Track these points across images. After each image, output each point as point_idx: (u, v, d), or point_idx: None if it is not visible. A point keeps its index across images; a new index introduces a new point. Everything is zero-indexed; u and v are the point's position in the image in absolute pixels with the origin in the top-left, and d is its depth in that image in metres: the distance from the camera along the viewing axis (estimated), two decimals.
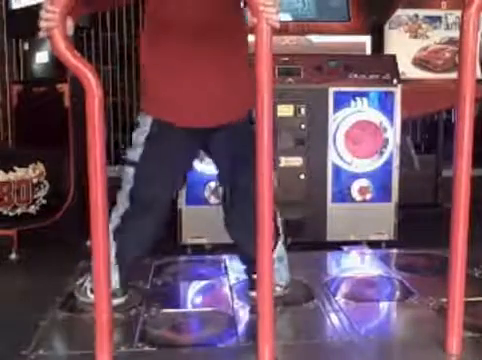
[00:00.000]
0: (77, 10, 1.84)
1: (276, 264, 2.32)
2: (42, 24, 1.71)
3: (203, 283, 2.70)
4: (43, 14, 1.70)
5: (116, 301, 2.22)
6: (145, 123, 2.26)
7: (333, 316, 2.27)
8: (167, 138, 2.24)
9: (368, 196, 3.31)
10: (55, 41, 1.70)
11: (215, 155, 2.40)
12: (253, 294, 2.35)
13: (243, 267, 2.54)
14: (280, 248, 2.44)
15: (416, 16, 3.72)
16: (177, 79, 2.19)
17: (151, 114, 2.25)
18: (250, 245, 2.25)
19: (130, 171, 2.29)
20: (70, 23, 1.77)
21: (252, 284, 2.40)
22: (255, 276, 2.39)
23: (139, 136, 2.26)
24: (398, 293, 2.60)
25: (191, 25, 2.14)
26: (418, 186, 4.24)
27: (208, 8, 2.15)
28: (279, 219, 2.45)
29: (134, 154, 2.27)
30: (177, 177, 2.39)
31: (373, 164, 3.31)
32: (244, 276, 2.57)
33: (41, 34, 1.72)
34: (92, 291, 2.24)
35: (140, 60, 2.28)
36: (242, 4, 2.26)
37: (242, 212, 2.31)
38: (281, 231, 2.46)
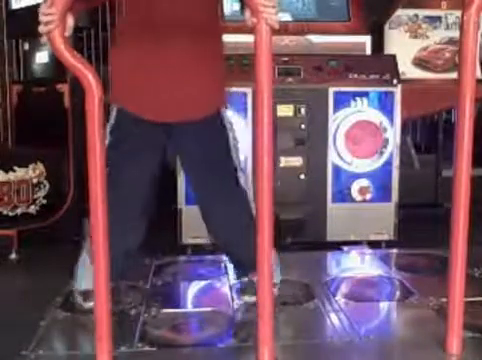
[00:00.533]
0: (77, 6, 1.81)
1: None
2: (41, 28, 1.70)
3: (203, 283, 2.71)
4: (42, 18, 1.69)
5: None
6: (112, 114, 2.22)
7: (333, 316, 2.27)
8: (131, 131, 2.19)
9: (368, 196, 3.31)
10: (55, 41, 1.70)
11: (181, 156, 2.33)
12: (246, 299, 2.34)
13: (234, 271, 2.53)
14: None
15: (416, 16, 3.72)
16: (144, 72, 2.15)
17: (116, 104, 2.21)
18: (236, 247, 2.26)
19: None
20: (71, 21, 1.76)
21: (244, 288, 2.40)
22: (246, 279, 2.41)
23: (107, 128, 2.20)
24: (398, 293, 2.60)
25: (164, 19, 2.12)
26: (418, 186, 4.24)
27: (182, 3, 2.14)
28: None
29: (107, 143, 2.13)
30: (144, 176, 2.24)
31: (373, 164, 3.31)
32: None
33: (42, 40, 1.72)
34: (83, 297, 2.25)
35: (114, 49, 2.29)
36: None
37: (221, 214, 2.30)
38: None
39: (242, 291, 2.44)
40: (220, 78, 2.29)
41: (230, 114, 2.93)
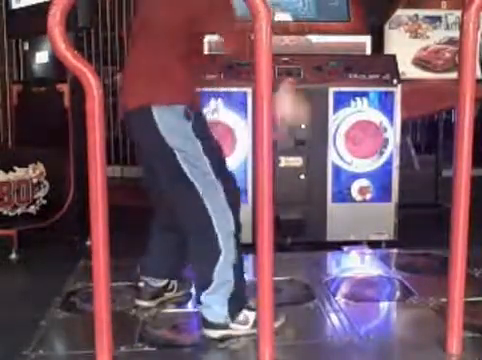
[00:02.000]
0: None
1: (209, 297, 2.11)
2: None
3: None
4: None
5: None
6: None
7: (333, 316, 2.27)
8: None
9: (368, 196, 3.31)
10: (55, 41, 1.70)
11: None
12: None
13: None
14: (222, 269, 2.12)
15: (416, 16, 3.72)
16: (125, 68, 2.26)
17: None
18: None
19: None
20: None
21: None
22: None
23: None
24: (398, 293, 2.60)
25: (140, 20, 2.22)
26: (418, 186, 4.24)
27: (154, 6, 2.18)
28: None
29: None
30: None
31: (373, 164, 3.31)
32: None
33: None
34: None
35: None
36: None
37: (163, 216, 2.33)
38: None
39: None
40: (162, 76, 2.15)
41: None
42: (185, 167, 2.09)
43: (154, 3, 2.19)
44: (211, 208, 2.09)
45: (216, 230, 2.08)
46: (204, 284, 2.10)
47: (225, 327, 2.07)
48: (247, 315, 2.08)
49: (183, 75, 2.14)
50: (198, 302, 2.13)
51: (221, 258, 2.08)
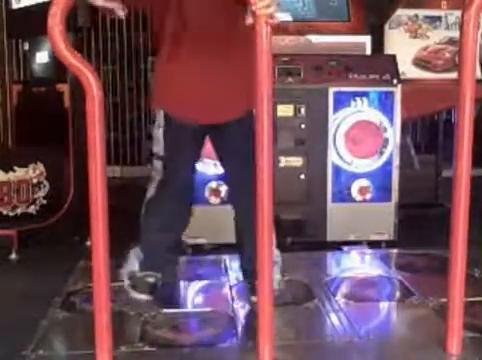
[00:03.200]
0: None
1: None
2: None
3: (203, 283, 2.70)
4: None
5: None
6: (159, 118, 2.38)
7: (333, 316, 2.27)
8: (178, 131, 2.35)
9: (368, 196, 3.31)
10: (55, 41, 1.70)
11: (219, 152, 2.50)
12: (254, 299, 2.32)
13: (242, 271, 2.55)
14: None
15: (416, 16, 3.72)
16: (187, 77, 2.29)
17: (162, 108, 2.36)
18: (250, 246, 2.26)
19: (158, 164, 2.40)
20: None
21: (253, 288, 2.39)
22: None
23: (156, 131, 2.39)
24: (398, 293, 2.60)
25: (197, 27, 2.23)
26: (418, 186, 4.24)
27: (209, 11, 2.22)
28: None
29: (158, 148, 2.39)
30: (190, 165, 2.48)
31: (373, 164, 3.31)
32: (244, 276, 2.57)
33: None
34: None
35: (157, 58, 2.42)
36: None
37: (245, 211, 2.36)
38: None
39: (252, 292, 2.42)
40: (251, 81, 2.29)
41: None
42: None
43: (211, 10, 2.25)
44: None
45: None
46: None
47: None
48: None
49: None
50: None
51: None
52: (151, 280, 2.45)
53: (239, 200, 2.46)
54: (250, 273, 2.41)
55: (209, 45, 2.25)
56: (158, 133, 2.38)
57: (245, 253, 2.46)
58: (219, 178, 3.20)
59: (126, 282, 2.47)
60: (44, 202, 3.48)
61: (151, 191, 2.44)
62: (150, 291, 2.42)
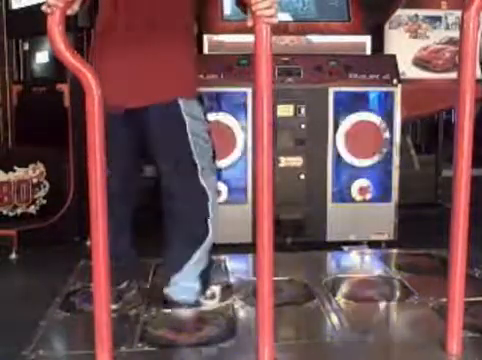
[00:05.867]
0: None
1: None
2: (45, 8, 1.69)
3: None
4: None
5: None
6: None
7: (333, 316, 2.27)
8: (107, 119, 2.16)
9: (368, 196, 3.31)
10: (55, 41, 1.70)
11: (148, 150, 2.35)
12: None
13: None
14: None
15: (416, 16, 3.72)
16: (108, 63, 2.21)
17: None
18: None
19: None
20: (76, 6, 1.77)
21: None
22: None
23: None
24: (398, 293, 2.60)
25: (132, 11, 2.21)
26: (418, 186, 4.24)
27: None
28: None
29: None
30: (121, 159, 2.29)
31: (373, 164, 3.31)
32: (244, 276, 2.57)
33: (43, 8, 1.70)
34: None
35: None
36: None
37: (171, 208, 2.31)
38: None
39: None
40: (178, 69, 2.25)
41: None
42: (196, 159, 2.26)
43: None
44: (212, 197, 2.30)
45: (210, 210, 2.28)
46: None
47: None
48: (214, 289, 2.28)
49: (192, 67, 2.32)
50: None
51: (208, 239, 2.31)
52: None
53: (164, 195, 2.32)
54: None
55: (138, 28, 2.19)
56: None
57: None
58: (219, 178, 3.20)
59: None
60: (44, 202, 3.48)
61: None
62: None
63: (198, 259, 2.32)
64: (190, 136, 2.25)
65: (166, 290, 2.36)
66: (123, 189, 2.32)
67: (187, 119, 2.24)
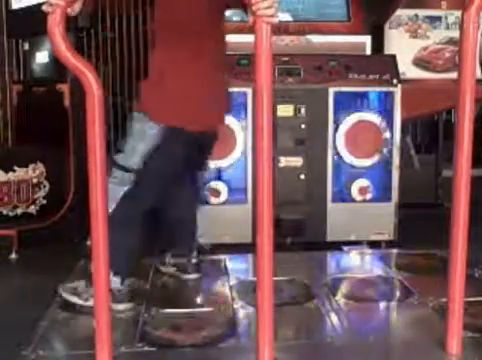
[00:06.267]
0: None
1: None
2: (46, 7, 1.69)
3: (203, 283, 2.70)
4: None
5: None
6: (152, 130, 2.26)
7: (333, 316, 2.27)
8: (179, 144, 2.28)
9: (368, 196, 3.31)
10: (55, 41, 1.69)
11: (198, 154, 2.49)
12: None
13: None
14: None
15: (416, 16, 3.72)
16: (200, 88, 2.27)
17: (161, 121, 2.25)
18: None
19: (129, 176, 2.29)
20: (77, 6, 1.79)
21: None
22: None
23: (139, 143, 2.28)
24: (398, 293, 2.60)
25: (210, 35, 2.27)
26: (418, 186, 4.24)
27: (215, 18, 2.29)
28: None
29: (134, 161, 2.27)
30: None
31: (373, 164, 3.31)
32: (244, 276, 2.57)
33: (44, 7, 1.70)
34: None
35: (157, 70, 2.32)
36: None
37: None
38: None
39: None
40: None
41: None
42: None
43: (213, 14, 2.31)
44: None
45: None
46: None
47: None
48: None
49: None
50: None
51: None
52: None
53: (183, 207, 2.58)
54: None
55: (214, 53, 2.30)
56: (142, 146, 2.26)
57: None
58: (219, 178, 3.21)
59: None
60: (44, 202, 3.48)
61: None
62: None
63: None
64: None
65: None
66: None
67: None
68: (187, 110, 2.27)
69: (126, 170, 2.26)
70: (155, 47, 2.32)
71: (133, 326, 2.17)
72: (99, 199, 1.75)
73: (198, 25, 2.23)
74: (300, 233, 3.30)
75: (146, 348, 2.01)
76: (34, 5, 3.52)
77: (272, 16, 1.68)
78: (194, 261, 2.68)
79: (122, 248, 2.21)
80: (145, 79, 2.43)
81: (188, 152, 2.32)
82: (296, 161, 3.29)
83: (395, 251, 3.20)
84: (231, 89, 3.15)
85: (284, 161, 3.27)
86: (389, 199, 3.34)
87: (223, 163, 3.17)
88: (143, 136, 2.25)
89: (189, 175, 2.53)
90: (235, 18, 3.25)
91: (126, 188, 2.27)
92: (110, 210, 2.13)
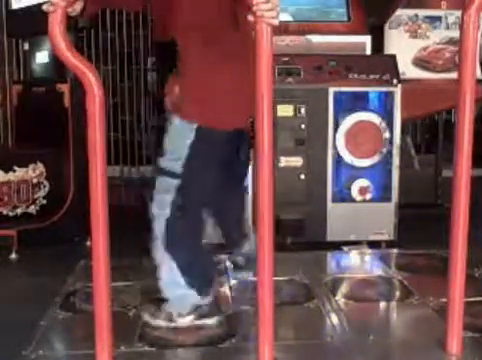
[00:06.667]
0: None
1: None
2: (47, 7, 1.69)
3: None
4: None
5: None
6: (187, 131, 2.17)
7: (333, 316, 2.27)
8: (215, 143, 2.20)
9: (368, 196, 3.31)
10: (55, 41, 1.69)
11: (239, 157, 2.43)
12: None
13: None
14: None
15: (416, 16, 3.72)
16: (232, 84, 2.19)
17: (196, 120, 2.17)
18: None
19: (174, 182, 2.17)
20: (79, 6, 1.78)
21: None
22: None
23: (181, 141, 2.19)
24: (398, 293, 2.60)
25: (235, 34, 2.17)
26: (418, 186, 4.25)
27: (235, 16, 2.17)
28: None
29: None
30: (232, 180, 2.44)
31: (373, 164, 3.31)
32: (244, 276, 2.57)
33: (45, 7, 1.69)
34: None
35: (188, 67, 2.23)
36: None
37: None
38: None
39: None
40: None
41: None
42: None
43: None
44: None
45: None
46: None
47: None
48: None
49: None
50: None
51: None
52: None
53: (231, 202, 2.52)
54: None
55: (241, 47, 2.18)
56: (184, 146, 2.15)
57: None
58: None
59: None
60: (44, 202, 3.48)
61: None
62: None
63: None
64: None
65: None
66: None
67: None
68: (221, 109, 2.20)
69: (170, 175, 2.15)
70: (186, 49, 2.29)
71: (133, 326, 2.17)
72: (99, 199, 1.75)
73: (226, 24, 2.18)
74: (300, 233, 3.30)
75: (146, 348, 2.01)
76: (34, 5, 3.51)
77: (273, 18, 1.68)
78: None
79: (187, 264, 2.16)
80: (176, 80, 2.37)
81: (224, 152, 2.24)
82: (296, 161, 3.29)
83: (395, 251, 3.21)
84: None
85: (284, 161, 3.27)
86: (389, 199, 3.34)
87: None
88: (180, 137, 2.17)
89: (233, 178, 2.44)
90: None
91: (171, 197, 2.14)
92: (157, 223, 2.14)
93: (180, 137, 2.16)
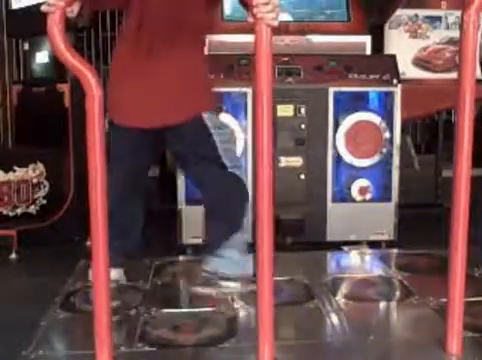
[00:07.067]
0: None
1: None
2: (44, 7, 1.69)
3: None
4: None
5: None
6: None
7: (333, 316, 2.27)
8: (122, 139, 2.30)
9: (368, 196, 3.31)
10: (55, 41, 1.69)
11: (172, 150, 2.54)
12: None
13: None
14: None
15: (416, 16, 3.72)
16: (129, 80, 2.25)
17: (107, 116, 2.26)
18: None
19: None
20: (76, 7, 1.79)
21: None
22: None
23: None
24: (398, 293, 2.59)
25: (151, 25, 2.21)
26: (418, 186, 4.24)
27: (172, 6, 2.20)
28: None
29: None
30: (137, 175, 2.47)
31: (373, 164, 3.31)
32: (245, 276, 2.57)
33: (44, 7, 1.69)
34: None
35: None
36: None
37: (210, 199, 2.50)
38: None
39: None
40: (203, 83, 2.38)
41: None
42: (227, 163, 2.42)
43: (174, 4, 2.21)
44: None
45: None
46: None
47: None
48: None
49: (208, 76, 2.48)
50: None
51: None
52: None
53: (209, 200, 2.51)
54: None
55: (164, 42, 2.21)
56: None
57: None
58: None
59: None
60: (44, 202, 3.48)
61: None
62: None
63: None
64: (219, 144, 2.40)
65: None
66: (135, 189, 2.48)
67: (212, 129, 2.37)
68: (114, 104, 2.30)
69: None
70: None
71: (133, 326, 2.17)
72: (99, 199, 1.75)
73: (132, 15, 2.27)
74: (300, 233, 3.30)
75: (146, 348, 2.01)
76: (34, 5, 3.52)
77: (273, 19, 1.68)
78: None
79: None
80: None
81: (129, 149, 2.34)
82: (296, 161, 3.29)
83: (395, 251, 3.20)
84: (231, 89, 3.20)
85: (284, 161, 3.27)
86: (389, 199, 3.34)
87: None
88: None
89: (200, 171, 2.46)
90: (235, 18, 3.25)
91: None
92: None
93: None
